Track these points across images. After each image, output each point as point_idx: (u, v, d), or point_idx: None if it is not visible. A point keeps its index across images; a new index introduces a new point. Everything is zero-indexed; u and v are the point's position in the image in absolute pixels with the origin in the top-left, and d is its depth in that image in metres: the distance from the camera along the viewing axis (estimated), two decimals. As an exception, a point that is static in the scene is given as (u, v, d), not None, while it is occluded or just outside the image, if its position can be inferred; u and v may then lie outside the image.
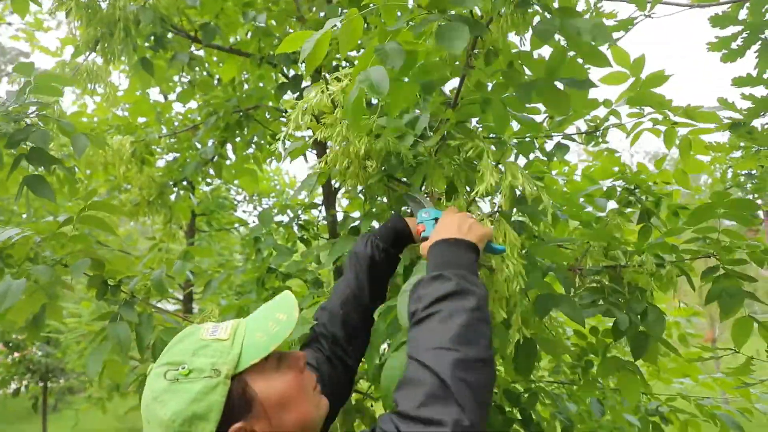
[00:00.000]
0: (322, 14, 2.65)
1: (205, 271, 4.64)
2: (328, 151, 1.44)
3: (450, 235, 1.03)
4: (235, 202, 5.20)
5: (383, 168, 1.48)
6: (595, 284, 1.79)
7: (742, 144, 2.29)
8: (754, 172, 3.73)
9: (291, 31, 3.11)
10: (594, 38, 1.22)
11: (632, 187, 2.17)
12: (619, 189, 2.18)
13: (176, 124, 3.13)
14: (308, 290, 2.02)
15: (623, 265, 1.76)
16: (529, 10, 1.26)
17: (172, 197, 3.16)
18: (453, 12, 1.21)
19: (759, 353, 1.93)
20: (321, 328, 1.18)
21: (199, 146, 3.03)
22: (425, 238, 1.17)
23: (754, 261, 1.60)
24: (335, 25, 1.19)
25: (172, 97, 3.48)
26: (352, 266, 1.27)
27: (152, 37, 2.30)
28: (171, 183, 3.10)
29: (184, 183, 3.10)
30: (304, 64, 2.56)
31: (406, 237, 1.32)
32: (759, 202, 4.61)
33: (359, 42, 1.34)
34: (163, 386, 0.82)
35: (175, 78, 3.58)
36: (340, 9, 2.59)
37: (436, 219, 1.18)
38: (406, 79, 1.37)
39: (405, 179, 1.59)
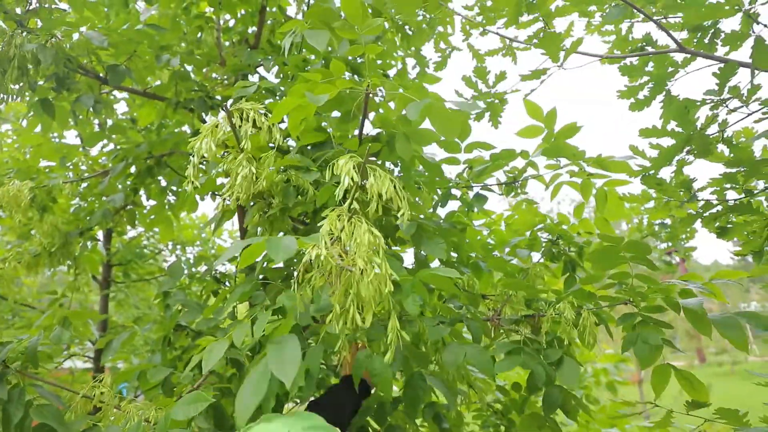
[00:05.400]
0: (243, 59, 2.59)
1: (120, 325, 4.32)
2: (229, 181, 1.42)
3: None
4: (157, 251, 4.91)
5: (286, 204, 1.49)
6: (513, 332, 1.76)
7: (653, 195, 2.37)
8: (667, 221, 3.91)
9: (215, 75, 3.04)
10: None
11: (555, 238, 2.18)
12: (543, 240, 2.19)
13: (84, 168, 2.92)
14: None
15: (541, 315, 1.74)
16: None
17: (81, 246, 2.92)
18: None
19: (682, 394, 1.92)
20: None
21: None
22: None
23: (669, 306, 1.59)
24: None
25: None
26: None
27: (54, 78, 2.14)
28: (77, 232, 2.86)
29: (92, 232, 2.87)
30: (222, 111, 2.49)
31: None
32: (674, 249, 4.82)
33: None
34: None
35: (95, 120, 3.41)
36: (262, 57, 2.55)
37: None
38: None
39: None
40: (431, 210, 2.10)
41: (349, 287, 1.10)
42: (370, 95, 1.40)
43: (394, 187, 1.22)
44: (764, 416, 1.63)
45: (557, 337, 1.71)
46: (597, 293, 1.75)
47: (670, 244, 4.35)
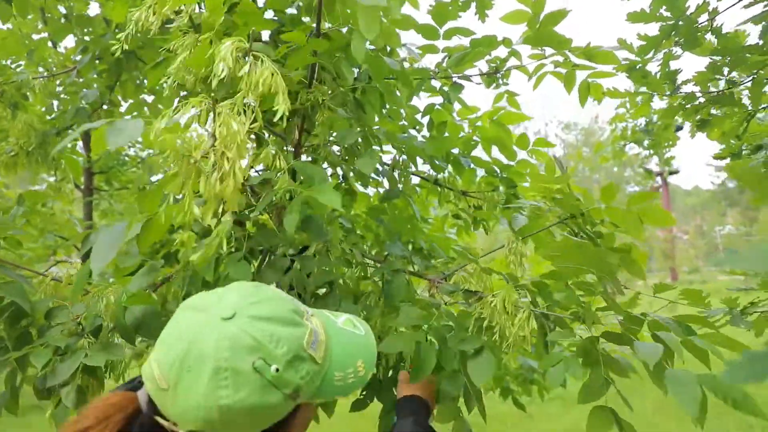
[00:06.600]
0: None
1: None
2: None
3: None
4: (139, 160, 4.84)
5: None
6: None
7: (642, 90, 2.33)
8: (650, 124, 3.87)
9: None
10: None
11: (567, 216, 1.71)
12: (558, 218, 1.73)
13: (54, 68, 2.80)
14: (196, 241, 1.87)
15: (481, 295, 1.51)
16: None
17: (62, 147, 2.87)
18: None
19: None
20: None
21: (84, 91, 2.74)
22: None
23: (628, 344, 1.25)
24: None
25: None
26: None
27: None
28: (54, 131, 2.80)
29: (68, 133, 2.81)
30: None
31: None
32: (655, 158, 4.85)
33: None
34: (245, 365, 0.71)
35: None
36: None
37: None
38: None
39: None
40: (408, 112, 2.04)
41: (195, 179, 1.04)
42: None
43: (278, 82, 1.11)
44: (725, 298, 1.70)
45: (489, 326, 1.44)
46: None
47: (652, 152, 4.33)
